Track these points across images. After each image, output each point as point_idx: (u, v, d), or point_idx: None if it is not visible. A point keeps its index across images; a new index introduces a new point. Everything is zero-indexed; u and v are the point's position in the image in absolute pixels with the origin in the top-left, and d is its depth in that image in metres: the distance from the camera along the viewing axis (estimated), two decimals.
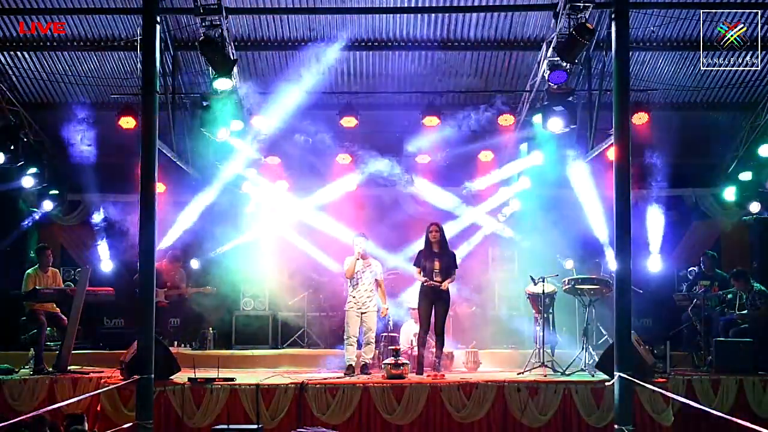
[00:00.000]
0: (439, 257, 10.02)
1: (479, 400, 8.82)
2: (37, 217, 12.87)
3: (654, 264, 12.74)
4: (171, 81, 11.39)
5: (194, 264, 12.88)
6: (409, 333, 10.74)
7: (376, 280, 10.06)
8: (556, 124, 10.63)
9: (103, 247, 12.75)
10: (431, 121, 11.58)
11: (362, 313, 9.93)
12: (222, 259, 12.78)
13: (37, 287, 10.10)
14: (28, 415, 7.22)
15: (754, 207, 12.57)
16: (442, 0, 11.09)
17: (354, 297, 9.98)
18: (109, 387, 8.54)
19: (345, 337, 10.00)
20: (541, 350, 9.75)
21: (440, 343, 10.01)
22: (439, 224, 10.30)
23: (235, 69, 10.74)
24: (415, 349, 10.06)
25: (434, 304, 9.97)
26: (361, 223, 12.84)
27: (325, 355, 10.97)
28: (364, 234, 10.32)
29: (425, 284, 9.96)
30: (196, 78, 11.88)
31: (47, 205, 12.66)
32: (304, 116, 11.86)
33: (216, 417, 8.60)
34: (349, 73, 12.28)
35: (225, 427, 7.56)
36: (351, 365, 9.83)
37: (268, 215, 12.93)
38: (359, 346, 10.00)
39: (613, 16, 8.07)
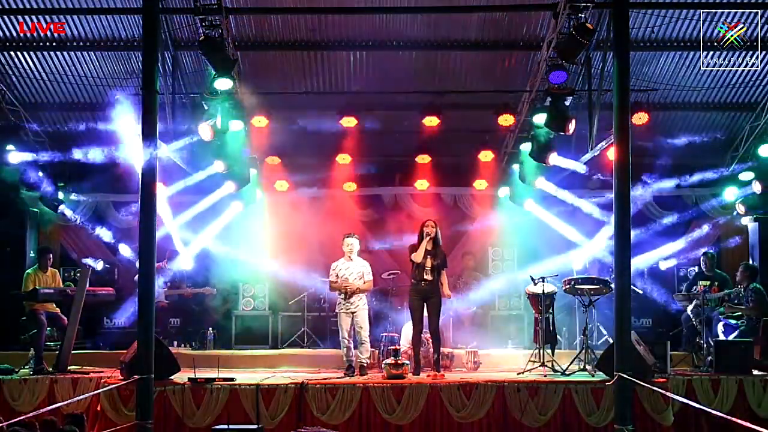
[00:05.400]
0: (432, 255, 9.91)
1: (479, 400, 8.82)
2: (35, 215, 12.87)
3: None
4: (171, 81, 11.37)
5: (192, 264, 12.85)
6: (409, 333, 10.72)
7: (363, 281, 9.95)
8: (556, 124, 10.63)
9: (102, 248, 12.75)
10: (431, 121, 11.56)
11: (352, 313, 9.88)
12: (222, 259, 12.76)
13: (37, 287, 10.10)
14: (28, 415, 7.21)
15: (740, 209, 12.58)
16: (442, 0, 11.09)
17: (343, 298, 9.95)
18: (109, 387, 8.53)
19: (340, 338, 9.97)
20: (541, 350, 9.75)
21: (437, 343, 9.96)
22: (435, 221, 10.19)
23: (235, 69, 10.73)
24: None
25: (426, 303, 9.92)
26: (361, 223, 12.86)
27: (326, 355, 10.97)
28: (354, 234, 10.29)
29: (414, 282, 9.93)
30: (196, 78, 11.86)
31: (46, 206, 12.63)
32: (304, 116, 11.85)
33: (216, 417, 8.60)
34: (349, 73, 12.26)
35: (225, 427, 7.54)
36: (350, 365, 9.82)
37: (268, 215, 12.92)
38: (355, 346, 9.97)
39: (613, 16, 8.07)
